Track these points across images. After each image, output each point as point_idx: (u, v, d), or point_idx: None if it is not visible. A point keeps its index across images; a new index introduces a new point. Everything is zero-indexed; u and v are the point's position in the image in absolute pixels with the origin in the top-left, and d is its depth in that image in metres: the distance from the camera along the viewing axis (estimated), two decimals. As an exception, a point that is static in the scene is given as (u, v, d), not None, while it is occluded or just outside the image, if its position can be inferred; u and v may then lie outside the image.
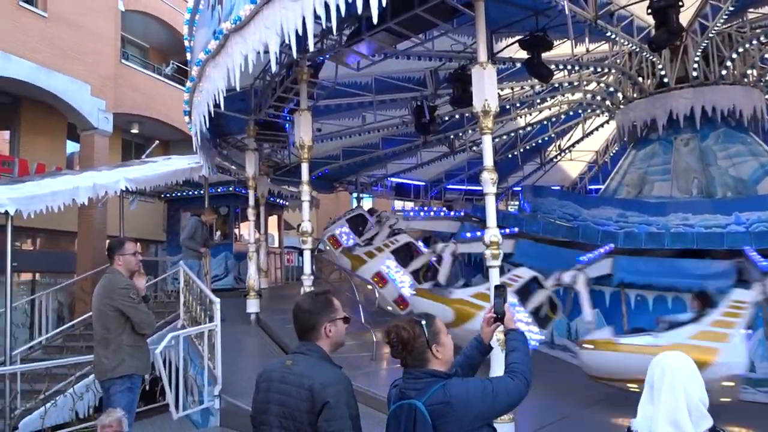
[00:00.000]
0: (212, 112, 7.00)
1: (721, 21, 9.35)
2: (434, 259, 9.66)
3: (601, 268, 7.88)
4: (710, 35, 9.89)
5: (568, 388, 6.80)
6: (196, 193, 13.49)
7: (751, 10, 10.09)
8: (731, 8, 8.85)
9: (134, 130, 18.00)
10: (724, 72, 10.48)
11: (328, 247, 11.05)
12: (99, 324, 4.81)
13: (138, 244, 5.18)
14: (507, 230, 9.15)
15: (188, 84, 8.38)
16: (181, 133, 17.18)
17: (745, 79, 10.73)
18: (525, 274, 7.53)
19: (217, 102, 6.46)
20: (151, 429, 7.26)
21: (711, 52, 10.43)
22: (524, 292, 7.43)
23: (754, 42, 10.25)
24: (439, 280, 8.56)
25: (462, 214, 10.98)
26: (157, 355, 6.12)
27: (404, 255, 9.90)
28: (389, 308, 9.34)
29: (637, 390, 6.35)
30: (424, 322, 2.46)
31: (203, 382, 6.90)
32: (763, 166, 10.36)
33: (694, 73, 10.43)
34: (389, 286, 9.34)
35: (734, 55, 10.40)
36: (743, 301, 6.08)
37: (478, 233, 9.15)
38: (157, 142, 18.61)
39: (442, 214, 11.53)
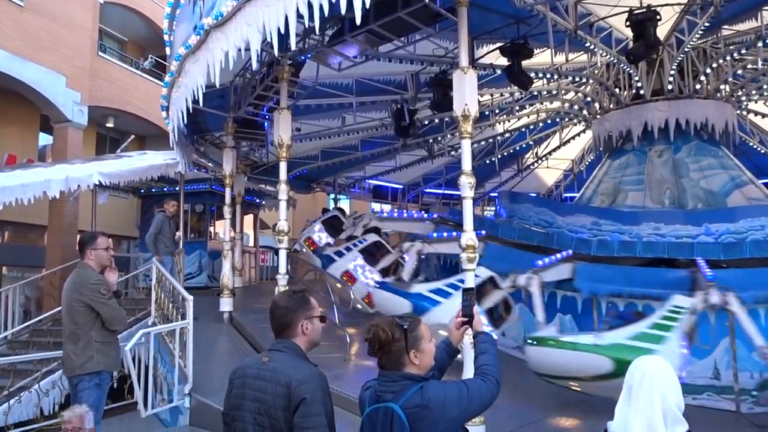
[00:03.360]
0: (190, 108, 6.93)
1: (697, 36, 9.54)
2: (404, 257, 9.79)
3: (561, 272, 8.11)
4: (686, 50, 10.09)
5: (538, 392, 6.86)
6: (171, 189, 13.32)
7: (725, 26, 10.32)
8: (707, 24, 9.04)
9: (109, 124, 17.73)
10: (698, 86, 10.72)
11: (305, 249, 11.03)
12: (68, 319, 4.72)
13: (110, 239, 5.08)
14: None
15: (166, 79, 8.28)
16: (157, 128, 16.96)
17: (718, 94, 10.99)
18: (481, 273, 7.64)
19: (196, 98, 6.40)
20: (119, 427, 7.14)
21: (686, 67, 10.65)
22: (480, 292, 7.57)
23: (728, 58, 10.49)
24: (402, 276, 8.67)
25: (435, 216, 11.08)
26: (127, 352, 6.03)
27: (373, 254, 9.99)
28: (359, 306, 9.35)
29: (578, 390, 6.52)
30: (406, 327, 2.43)
31: (173, 381, 6.81)
32: (733, 179, 10.62)
33: (669, 87, 10.64)
34: (358, 285, 9.37)
35: (708, 70, 10.64)
36: (682, 306, 6.32)
37: (445, 234, 9.34)
38: (133, 136, 18.33)
39: (414, 215, 11.66)
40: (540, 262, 8.14)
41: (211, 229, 14.47)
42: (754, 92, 11.77)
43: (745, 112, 13.14)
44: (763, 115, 13.74)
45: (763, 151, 15.12)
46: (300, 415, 2.36)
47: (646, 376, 2.42)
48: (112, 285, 4.84)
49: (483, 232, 9.50)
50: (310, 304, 2.66)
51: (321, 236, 11.06)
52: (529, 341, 6.69)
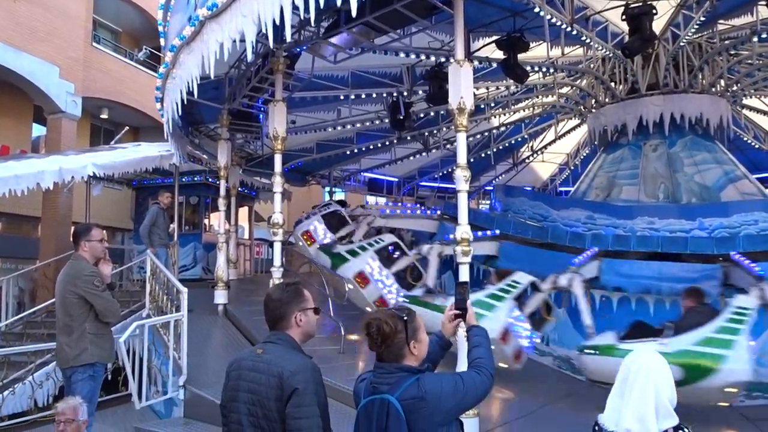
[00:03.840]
0: (185, 100, 6.89)
1: (693, 30, 9.55)
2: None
3: (590, 270, 7.90)
4: (681, 44, 10.11)
5: (532, 385, 6.90)
6: (166, 181, 13.27)
7: (721, 21, 10.32)
8: (702, 18, 9.05)
9: (103, 116, 17.63)
10: (693, 81, 10.73)
11: (301, 243, 10.85)
12: (62, 311, 4.71)
13: (105, 231, 5.07)
14: (488, 232, 9.16)
15: (161, 70, 8.22)
16: (151, 120, 16.88)
17: (713, 89, 11.00)
18: (522, 279, 7.31)
19: (191, 89, 6.36)
20: (113, 419, 7.15)
21: (681, 61, 10.66)
22: (521, 297, 7.29)
23: (723, 53, 10.50)
24: (427, 284, 8.24)
25: (438, 212, 10.92)
26: (121, 344, 6.02)
27: (387, 255, 9.45)
28: (368, 309, 9.12)
29: None
30: (406, 318, 2.45)
31: (168, 373, 6.81)
32: (727, 174, 10.65)
33: (665, 81, 10.65)
34: (371, 287, 8.89)
35: (704, 65, 10.64)
36: (746, 307, 6.04)
37: (452, 236, 9.16)
38: (127, 128, 18.25)
39: (418, 212, 11.43)
40: (577, 260, 7.78)
41: (206, 221, 14.44)
42: (748, 87, 11.78)
43: (739, 107, 13.16)
44: (758, 111, 13.78)
45: (757, 146, 15.18)
46: (292, 405, 2.38)
47: (642, 370, 2.45)
48: (106, 277, 4.84)
49: (497, 231, 9.42)
50: (304, 296, 2.68)
51: (320, 230, 10.71)
52: (588, 350, 6.42)
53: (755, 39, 9.61)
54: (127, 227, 15.98)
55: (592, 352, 6.32)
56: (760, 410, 6.19)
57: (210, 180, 13.43)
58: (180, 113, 7.72)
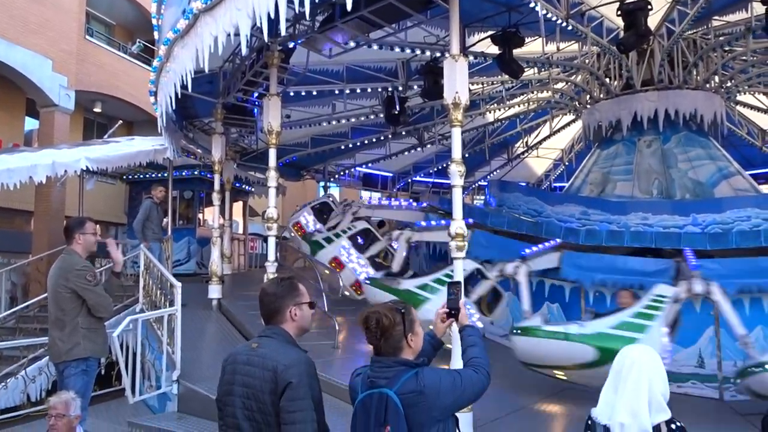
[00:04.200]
0: (179, 94, 6.87)
1: (687, 26, 9.56)
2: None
3: (549, 261, 8.18)
4: (676, 40, 10.11)
5: (525, 380, 6.92)
6: (159, 175, 13.21)
7: (715, 17, 10.34)
8: (697, 14, 9.06)
9: (97, 109, 17.52)
10: (687, 77, 10.74)
11: (293, 234, 11.02)
12: (54, 305, 4.69)
13: (98, 225, 5.05)
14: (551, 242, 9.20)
15: (155, 63, 8.19)
16: (145, 113, 16.80)
17: (708, 85, 11.02)
18: (468, 266, 7.60)
19: (185, 83, 6.34)
20: (106, 413, 7.13)
21: (676, 57, 10.66)
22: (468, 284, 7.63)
23: (718, 49, 10.52)
24: (392, 267, 8.66)
25: (425, 205, 11.08)
26: (114, 339, 6.00)
27: (364, 241, 10.01)
28: (347, 293, 9.36)
29: (563, 378, 6.56)
30: (403, 311, 2.46)
31: (161, 367, 6.80)
32: (721, 170, 10.69)
33: (659, 77, 10.66)
34: (347, 271, 9.39)
35: (698, 61, 10.66)
36: (664, 295, 6.40)
37: (433, 222, 9.35)
38: (121, 122, 18.14)
39: (403, 204, 11.68)
40: (528, 251, 8.18)
41: (200, 215, 14.39)
42: (742, 83, 11.82)
43: (733, 104, 13.20)
44: (751, 107, 13.82)
45: (750, 143, 15.25)
46: (286, 399, 2.38)
47: (635, 365, 2.47)
48: (118, 263, 4.86)
49: (471, 220, 9.51)
50: (299, 291, 2.68)
51: (309, 221, 11.05)
52: (515, 331, 6.73)
53: (750, 35, 9.63)
54: (121, 222, 15.90)
55: (518, 332, 6.63)
56: (749, 405, 6.23)
57: (204, 174, 13.37)
58: (174, 107, 7.69)
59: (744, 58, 10.88)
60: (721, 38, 10.45)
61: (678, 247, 8.26)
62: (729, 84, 11.54)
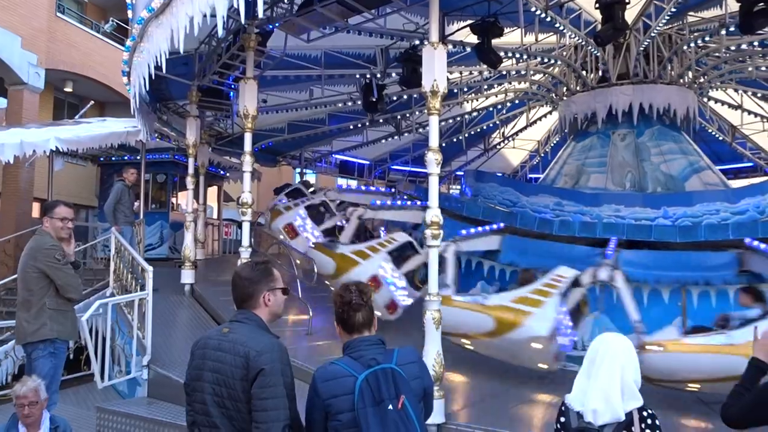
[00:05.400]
0: (153, 75, 6.73)
1: (663, 21, 9.66)
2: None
3: (489, 243, 8.54)
4: (652, 35, 10.22)
5: (497, 367, 6.99)
6: (132, 158, 12.99)
7: (691, 13, 10.47)
8: (673, 9, 9.15)
9: (68, 89, 17.11)
10: (662, 71, 10.88)
11: (282, 236, 10.43)
12: (22, 286, 4.62)
13: (72, 209, 4.94)
14: (494, 226, 9.14)
15: (128, 43, 8.00)
16: (118, 95, 16.46)
17: (681, 80, 11.18)
18: (400, 238, 7.93)
19: (159, 64, 6.22)
20: (75, 398, 7.04)
21: (652, 52, 10.79)
22: (400, 257, 7.89)
23: (692, 44, 10.66)
24: (341, 240, 8.80)
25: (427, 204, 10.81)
26: (83, 323, 5.91)
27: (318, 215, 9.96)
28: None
29: (471, 348, 6.73)
30: (365, 290, 2.61)
31: (131, 352, 6.72)
32: (692, 164, 10.88)
33: (635, 71, 10.77)
34: (300, 239, 9.46)
35: (673, 56, 10.80)
36: (563, 276, 6.68)
37: (388, 202, 9.50)
38: (92, 102, 17.72)
39: (408, 203, 11.03)
40: (464, 232, 8.44)
41: (174, 200, 14.21)
42: (715, 80, 12.01)
43: (705, 99, 13.42)
44: (723, 103, 14.07)
45: (720, 138, 15.54)
46: (258, 386, 2.36)
47: (609, 352, 2.51)
48: (70, 255, 4.73)
49: (501, 224, 9.18)
50: (273, 276, 2.66)
51: (306, 225, 10.22)
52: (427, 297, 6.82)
53: (723, 32, 9.78)
54: (92, 204, 15.61)
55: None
56: (714, 395, 6.39)
57: (178, 158, 13.20)
58: (147, 88, 7.53)
59: (717, 54, 11.05)
60: (695, 34, 10.59)
61: (649, 239, 8.40)
62: (702, 80, 11.71)
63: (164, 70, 6.43)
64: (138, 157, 11.98)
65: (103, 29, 18.00)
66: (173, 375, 6.19)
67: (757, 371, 2.47)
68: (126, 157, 13.27)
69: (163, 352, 6.82)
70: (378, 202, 10.17)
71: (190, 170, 9.70)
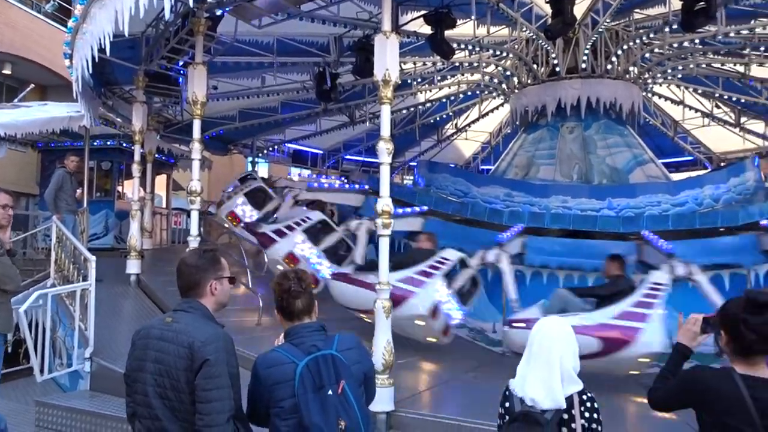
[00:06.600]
0: (96, 58, 6.49)
1: (610, 17, 9.91)
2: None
3: (515, 247, 8.29)
4: (600, 30, 10.47)
5: (446, 356, 7.08)
6: (75, 144, 12.50)
7: (637, 10, 10.77)
8: (620, 6, 9.40)
9: (6, 71, 16.33)
10: (609, 66, 11.17)
11: (227, 224, 10.40)
12: (-46, 277, 4.38)
13: (11, 197, 4.72)
14: (417, 209, 9.30)
15: (70, 24, 7.68)
16: (60, 78, 15.78)
17: (627, 75, 11.50)
18: (451, 256, 7.38)
19: (103, 47, 6.01)
20: (14, 393, 6.77)
21: (599, 47, 11.06)
22: (316, 235, 8.08)
23: (638, 41, 10.98)
24: (355, 260, 8.19)
25: (366, 187, 10.88)
26: (21, 315, 5.69)
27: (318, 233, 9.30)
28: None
29: (368, 320, 6.70)
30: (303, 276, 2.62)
31: (73, 344, 6.51)
32: (636, 157, 11.24)
33: (583, 65, 11.02)
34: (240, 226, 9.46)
35: (619, 52, 11.09)
36: (447, 258, 6.94)
37: (315, 184, 9.52)
38: (33, 85, 17.00)
39: (346, 186, 11.35)
40: (503, 236, 8.11)
41: (120, 188, 13.78)
42: (659, 75, 12.41)
43: (650, 95, 13.87)
44: (666, 98, 14.57)
45: (664, 133, 16.10)
46: (202, 377, 2.32)
47: (546, 341, 2.56)
48: (5, 243, 4.53)
49: (425, 208, 9.54)
50: (221, 264, 2.63)
51: (245, 210, 10.17)
52: (512, 324, 6.64)
53: (667, 29, 10.11)
54: (32, 192, 14.98)
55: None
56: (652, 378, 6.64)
57: (124, 145, 12.78)
58: (91, 72, 7.28)
59: (661, 51, 11.42)
60: (641, 31, 10.91)
61: (594, 229, 8.65)
62: (647, 75, 12.08)
63: (108, 53, 6.21)
64: (81, 144, 11.55)
65: (44, 9, 17.26)
66: (117, 367, 6.02)
67: (681, 356, 2.57)
68: (69, 144, 12.76)
69: (107, 343, 6.62)
70: (315, 184, 10.16)
71: (137, 157, 9.44)
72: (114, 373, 6.00)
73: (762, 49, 11.14)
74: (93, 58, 6.48)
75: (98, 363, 6.34)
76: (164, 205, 15.49)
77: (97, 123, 10.78)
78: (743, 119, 15.01)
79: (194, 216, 7.47)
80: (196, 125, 7.44)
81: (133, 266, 9.16)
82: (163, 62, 8.92)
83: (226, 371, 2.37)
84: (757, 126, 15.36)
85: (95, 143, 12.25)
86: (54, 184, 8.94)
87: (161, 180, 15.21)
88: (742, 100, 13.43)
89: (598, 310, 6.28)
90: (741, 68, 12.10)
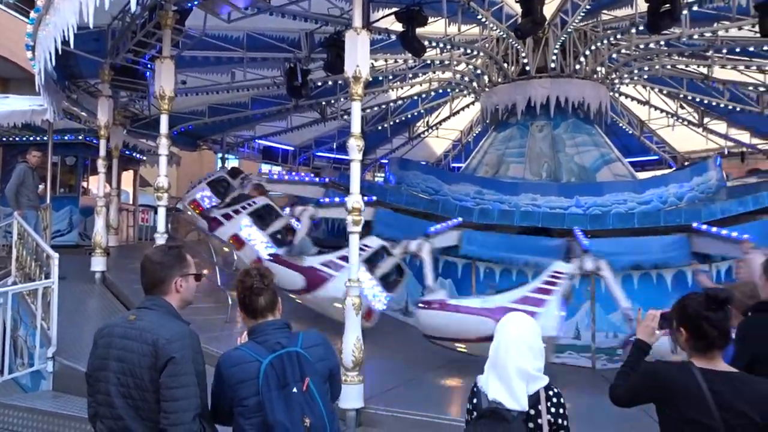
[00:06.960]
0: (60, 50, 6.34)
1: (579, 18, 10.05)
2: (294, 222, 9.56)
3: (449, 239, 8.47)
4: (569, 30, 10.61)
5: (414, 353, 7.11)
6: (38, 139, 12.18)
7: (605, 11, 10.94)
8: (588, 6, 9.53)
9: (-35, 63, 15.88)
10: (577, 66, 11.33)
11: (190, 212, 10.42)
12: None
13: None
14: (365, 198, 9.32)
15: (33, 15, 7.48)
16: (23, 70, 15.38)
17: (595, 75, 11.69)
18: (373, 243, 7.77)
19: (66, 39, 5.86)
20: (-28, 394, 6.57)
21: (568, 47, 11.20)
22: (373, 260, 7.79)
23: (605, 41, 11.15)
24: (294, 242, 8.56)
25: (326, 180, 10.94)
26: (-20, 314, 5.52)
27: (264, 217, 9.60)
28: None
29: (464, 350, 6.78)
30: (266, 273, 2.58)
31: (35, 344, 6.35)
32: (603, 156, 11.43)
33: (552, 65, 11.16)
34: (247, 249, 9.09)
35: (587, 52, 11.26)
36: (562, 272, 6.81)
37: (336, 199, 9.36)
38: (-6, 78, 16.58)
39: (306, 179, 11.44)
40: (432, 229, 8.30)
41: (84, 184, 13.48)
42: (626, 76, 12.63)
43: (617, 95, 14.11)
44: (632, 98, 14.85)
45: (630, 132, 16.41)
46: (167, 375, 2.28)
47: (503, 345, 2.53)
48: None
49: (374, 197, 9.58)
50: (186, 261, 2.59)
51: (206, 198, 10.38)
52: (420, 305, 6.89)
53: (633, 30, 10.29)
54: (-7, 188, 14.58)
55: (424, 306, 7.13)
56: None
57: (89, 140, 12.49)
58: (54, 64, 7.12)
59: (628, 52, 11.62)
60: (608, 31, 11.09)
61: (563, 227, 8.76)
62: (614, 76, 12.29)
63: (72, 46, 6.05)
64: (45, 138, 11.26)
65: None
66: (81, 367, 5.88)
67: (640, 352, 2.61)
68: (31, 138, 12.43)
69: (70, 342, 6.48)
70: (275, 176, 10.23)
71: (102, 153, 9.24)
72: (78, 372, 5.86)
73: (724, 51, 11.41)
74: (56, 50, 6.32)
75: (61, 362, 6.20)
76: (131, 202, 15.21)
77: (61, 117, 10.52)
78: (706, 120, 15.40)
79: (161, 213, 7.35)
80: (164, 120, 7.31)
81: (98, 263, 8.99)
82: (129, 56, 8.73)
83: (192, 369, 2.34)
84: (720, 126, 15.79)
85: (59, 138, 11.94)
86: (15, 180, 8.72)
87: (128, 176, 14.93)
88: (705, 101, 13.75)
89: (498, 295, 6.75)
90: (704, 70, 12.39)
